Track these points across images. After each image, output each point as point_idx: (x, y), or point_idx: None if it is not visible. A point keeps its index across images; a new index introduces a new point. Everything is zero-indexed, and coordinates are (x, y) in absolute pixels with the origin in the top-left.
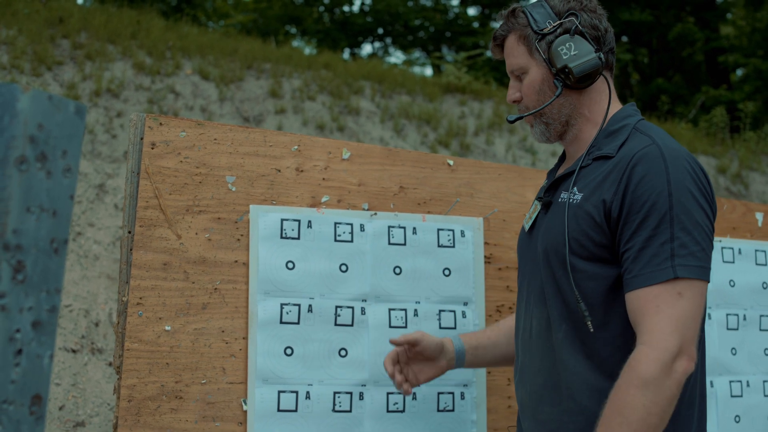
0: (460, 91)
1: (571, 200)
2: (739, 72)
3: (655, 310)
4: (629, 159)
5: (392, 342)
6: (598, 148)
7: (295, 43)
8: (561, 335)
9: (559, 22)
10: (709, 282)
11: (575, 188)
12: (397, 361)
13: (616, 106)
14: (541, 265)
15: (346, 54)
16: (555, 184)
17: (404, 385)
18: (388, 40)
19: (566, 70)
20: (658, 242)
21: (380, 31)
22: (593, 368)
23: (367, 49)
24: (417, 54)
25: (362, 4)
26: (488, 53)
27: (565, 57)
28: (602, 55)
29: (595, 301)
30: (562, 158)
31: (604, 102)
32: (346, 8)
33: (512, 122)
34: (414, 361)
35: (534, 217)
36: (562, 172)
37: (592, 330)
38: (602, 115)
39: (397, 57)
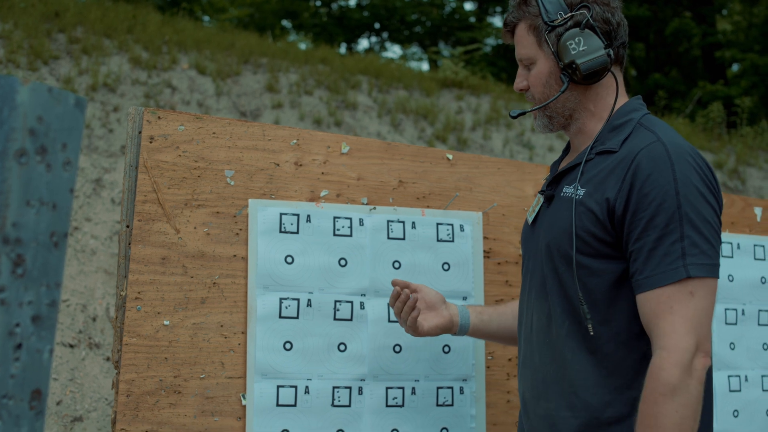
0: (457, 86)
1: (575, 195)
2: (736, 67)
3: (669, 311)
4: (633, 156)
5: (394, 282)
6: (602, 142)
7: (292, 38)
8: (564, 331)
9: (570, 14)
10: (718, 278)
11: (579, 183)
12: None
13: (623, 99)
14: (543, 260)
15: (342, 49)
16: (557, 178)
17: (409, 293)
18: (385, 34)
19: (573, 65)
20: (669, 242)
21: (377, 25)
22: (596, 364)
23: (363, 44)
24: (414, 49)
25: None
26: (485, 48)
27: (573, 52)
28: (611, 51)
29: (599, 297)
30: (567, 150)
31: (610, 97)
32: (342, 3)
33: (515, 117)
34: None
35: (537, 210)
36: (565, 165)
37: (592, 333)
38: (608, 111)
39: (393, 52)
